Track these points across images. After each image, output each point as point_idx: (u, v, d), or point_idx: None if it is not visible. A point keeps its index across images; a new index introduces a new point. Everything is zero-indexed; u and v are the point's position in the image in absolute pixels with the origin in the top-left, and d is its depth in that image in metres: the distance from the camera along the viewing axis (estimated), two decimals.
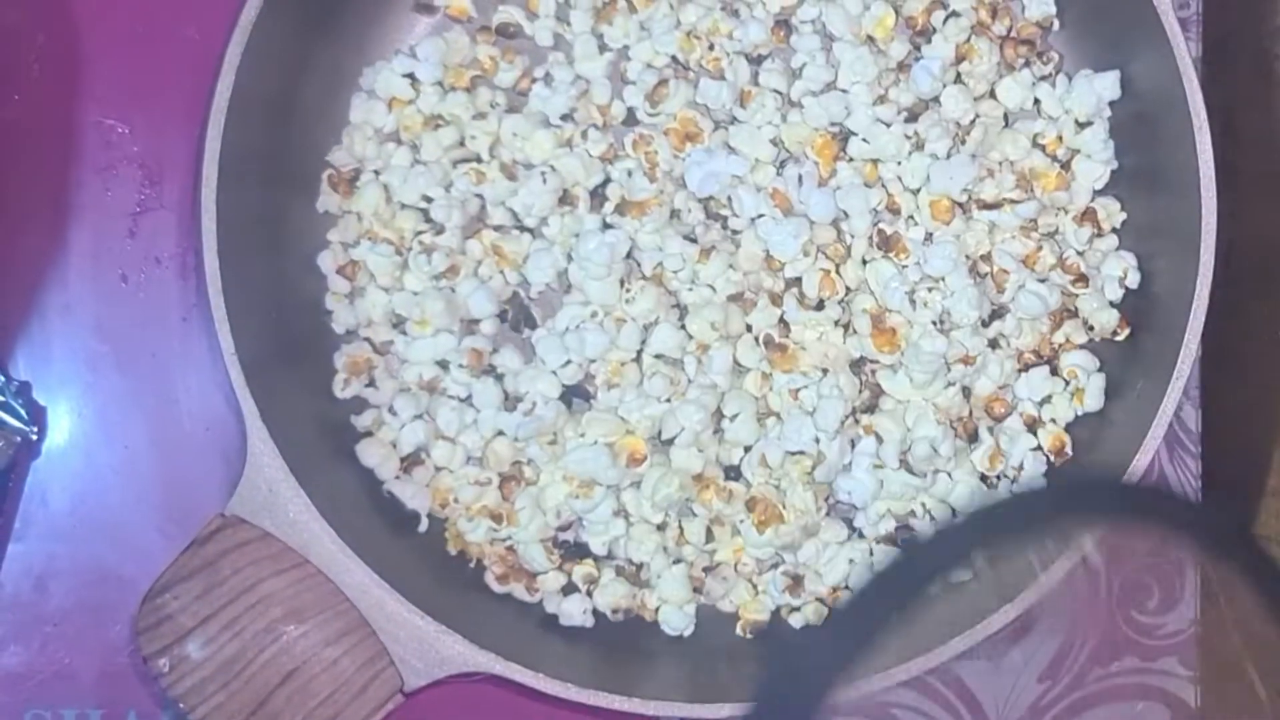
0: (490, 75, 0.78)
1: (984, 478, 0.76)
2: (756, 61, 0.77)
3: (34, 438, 0.76)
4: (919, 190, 0.76)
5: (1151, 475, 0.80)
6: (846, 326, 0.76)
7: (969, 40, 0.76)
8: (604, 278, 0.74)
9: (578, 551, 0.76)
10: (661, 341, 0.74)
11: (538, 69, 0.78)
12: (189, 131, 0.77)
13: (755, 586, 0.76)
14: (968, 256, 0.75)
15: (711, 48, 0.77)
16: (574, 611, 0.74)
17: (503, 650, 0.69)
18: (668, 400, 0.74)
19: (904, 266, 0.75)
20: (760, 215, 0.75)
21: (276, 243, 0.75)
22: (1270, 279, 0.86)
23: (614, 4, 0.77)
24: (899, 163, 0.76)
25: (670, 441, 0.74)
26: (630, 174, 0.76)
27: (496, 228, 0.76)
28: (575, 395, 0.76)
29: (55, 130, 0.79)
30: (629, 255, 0.76)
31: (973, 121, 0.77)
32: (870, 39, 0.77)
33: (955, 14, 0.76)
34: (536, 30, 0.78)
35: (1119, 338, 0.76)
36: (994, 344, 0.76)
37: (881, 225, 0.76)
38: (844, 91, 0.76)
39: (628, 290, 0.75)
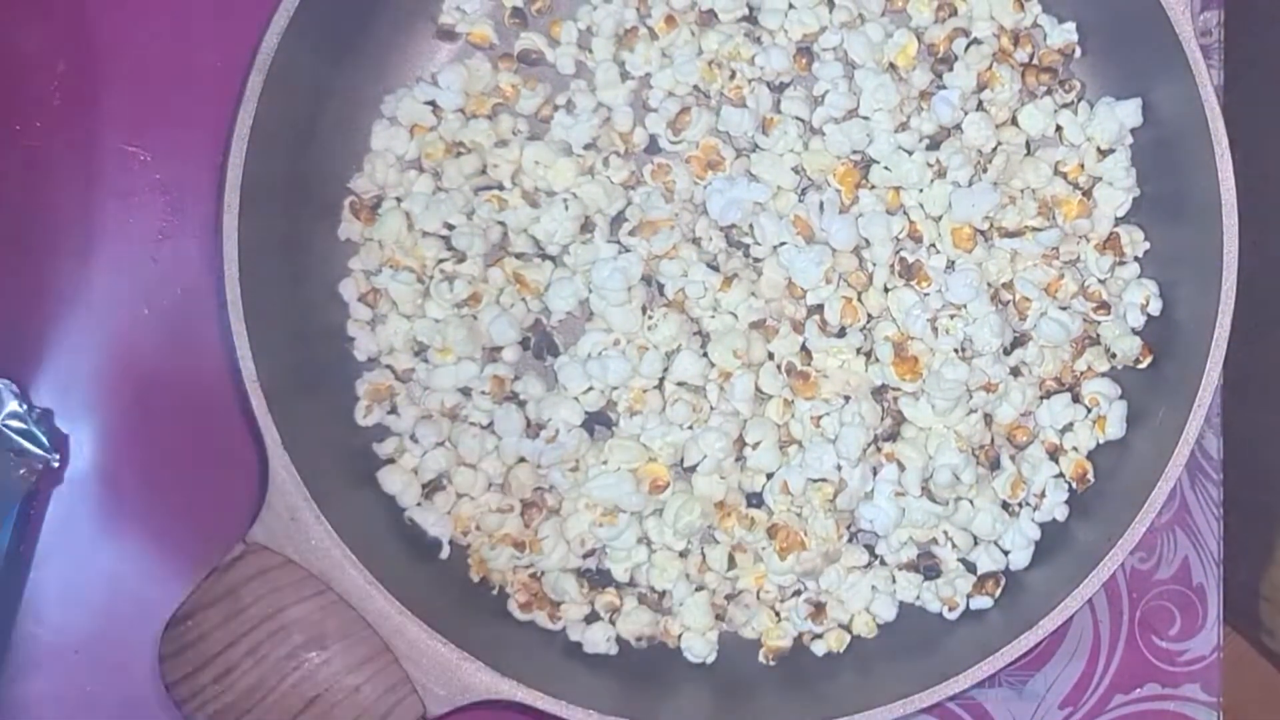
0: (512, 102, 0.78)
1: (1005, 505, 0.76)
2: (778, 89, 0.77)
3: (56, 465, 0.76)
4: (941, 218, 0.76)
5: (1173, 503, 0.80)
6: (868, 354, 0.76)
7: (991, 67, 0.76)
8: (622, 304, 0.74)
9: (600, 579, 0.76)
10: (683, 369, 0.74)
11: (559, 96, 0.78)
12: (211, 159, 0.78)
13: (777, 613, 0.76)
14: (989, 284, 0.75)
15: (733, 75, 0.77)
16: (597, 639, 0.74)
17: (526, 677, 0.69)
18: (690, 427, 0.74)
19: (926, 294, 0.75)
20: (782, 243, 0.75)
21: (298, 270, 0.75)
22: None
23: (635, 31, 0.77)
24: (921, 190, 0.76)
25: (692, 469, 0.74)
26: (649, 196, 0.76)
27: (518, 255, 0.77)
28: (597, 422, 0.76)
29: (77, 158, 0.79)
30: (651, 283, 0.76)
31: (994, 149, 0.77)
32: (892, 66, 0.77)
33: (977, 41, 0.77)
34: (558, 57, 0.78)
35: (1141, 365, 0.76)
36: (1016, 371, 0.76)
37: (903, 253, 0.76)
38: (866, 119, 0.76)
39: (649, 317, 0.75)
